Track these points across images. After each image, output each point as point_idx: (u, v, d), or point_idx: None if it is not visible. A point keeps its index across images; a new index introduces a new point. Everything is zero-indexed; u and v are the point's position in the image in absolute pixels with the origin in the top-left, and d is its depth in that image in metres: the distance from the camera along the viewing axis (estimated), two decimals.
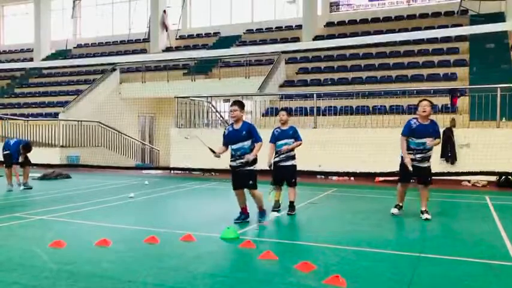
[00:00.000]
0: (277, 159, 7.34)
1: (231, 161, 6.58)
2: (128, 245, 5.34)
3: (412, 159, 6.94)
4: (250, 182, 6.49)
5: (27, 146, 10.86)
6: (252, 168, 6.48)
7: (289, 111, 7.74)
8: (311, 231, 6.44)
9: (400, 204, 7.42)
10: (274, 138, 7.40)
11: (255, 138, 6.48)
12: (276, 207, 7.36)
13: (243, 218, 6.64)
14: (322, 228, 6.56)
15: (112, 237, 5.50)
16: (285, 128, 7.41)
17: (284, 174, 7.33)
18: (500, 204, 8.55)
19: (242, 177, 6.49)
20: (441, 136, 7.05)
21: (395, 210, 7.34)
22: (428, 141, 6.88)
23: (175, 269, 4.47)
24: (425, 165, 7.01)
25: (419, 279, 4.16)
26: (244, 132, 6.44)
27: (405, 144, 7.02)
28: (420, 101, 7.08)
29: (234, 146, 6.49)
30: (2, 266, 4.50)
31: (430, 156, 7.04)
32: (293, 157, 7.34)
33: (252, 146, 6.46)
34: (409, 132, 7.00)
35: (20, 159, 10.69)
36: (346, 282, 3.93)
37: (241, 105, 6.60)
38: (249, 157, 6.38)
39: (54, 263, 4.56)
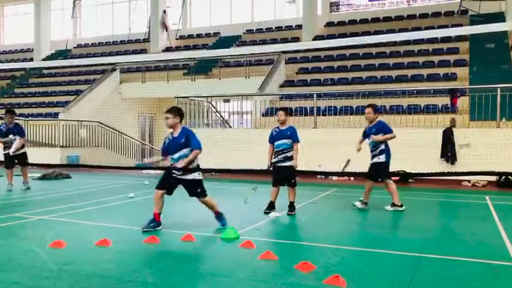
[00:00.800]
0: (275, 159, 7.31)
1: (172, 169, 6.14)
2: (128, 245, 5.34)
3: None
4: (198, 190, 6.17)
5: (9, 111, 10.61)
6: (196, 178, 6.14)
7: (289, 111, 7.71)
8: (311, 231, 6.43)
9: (365, 200, 8.00)
10: (272, 139, 7.38)
11: (192, 144, 6.03)
12: (270, 209, 7.30)
13: (152, 225, 6.07)
14: (322, 228, 6.56)
15: (112, 237, 5.50)
16: (283, 128, 7.37)
17: (283, 175, 7.31)
18: (500, 204, 8.55)
19: (188, 187, 6.18)
20: (392, 131, 7.72)
21: (358, 203, 7.98)
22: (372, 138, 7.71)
23: (176, 269, 4.47)
24: (372, 161, 7.75)
25: (419, 279, 4.16)
26: (182, 140, 6.08)
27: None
28: (365, 107, 8.05)
29: (175, 156, 6.09)
30: (2, 266, 4.50)
31: (378, 153, 7.66)
32: (291, 158, 7.27)
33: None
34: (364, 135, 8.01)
35: (17, 141, 10.14)
36: (346, 282, 3.93)
37: (175, 112, 6.22)
38: (177, 165, 6.02)
39: (54, 263, 4.56)
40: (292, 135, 7.27)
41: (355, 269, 4.45)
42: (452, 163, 11.71)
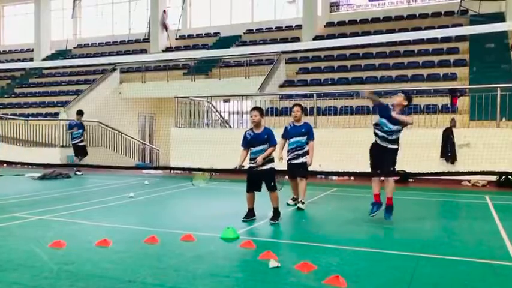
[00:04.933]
0: (252, 164, 6.73)
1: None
2: (127, 245, 5.34)
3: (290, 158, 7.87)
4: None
5: (79, 111, 14.69)
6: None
7: (261, 111, 6.93)
8: (311, 231, 6.43)
9: (295, 196, 8.13)
10: (247, 143, 6.86)
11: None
12: (249, 217, 6.72)
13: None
14: (323, 228, 6.56)
15: (112, 237, 5.50)
16: (258, 131, 6.78)
17: (262, 179, 6.70)
18: (500, 204, 8.55)
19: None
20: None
21: (290, 201, 8.12)
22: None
23: (175, 269, 4.47)
24: (299, 161, 7.77)
25: (419, 279, 4.16)
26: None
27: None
28: (293, 106, 8.13)
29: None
30: (2, 266, 4.50)
31: (304, 152, 7.79)
32: (271, 160, 6.76)
33: None
34: (284, 134, 8.00)
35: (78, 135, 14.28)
36: (346, 282, 3.93)
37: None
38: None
39: (54, 263, 4.57)
40: (269, 139, 6.71)
41: (355, 269, 4.45)
42: (452, 163, 11.71)
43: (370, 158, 6.82)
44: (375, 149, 6.76)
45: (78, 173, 14.04)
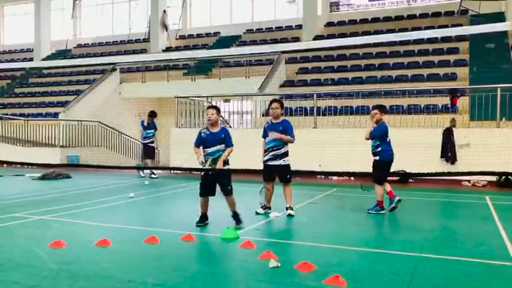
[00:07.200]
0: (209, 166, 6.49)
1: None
2: (127, 245, 5.34)
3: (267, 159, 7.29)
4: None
5: (152, 112, 13.62)
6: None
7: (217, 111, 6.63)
8: (311, 231, 6.43)
9: (266, 204, 7.38)
10: (202, 141, 6.55)
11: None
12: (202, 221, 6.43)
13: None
14: (322, 228, 6.56)
15: (112, 237, 5.50)
16: (214, 130, 6.45)
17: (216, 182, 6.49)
18: (500, 204, 8.54)
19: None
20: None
21: (260, 210, 7.34)
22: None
23: (175, 269, 4.47)
24: (278, 162, 7.16)
25: (419, 279, 4.16)
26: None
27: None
28: (270, 102, 7.45)
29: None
30: (2, 266, 4.50)
31: (283, 154, 7.15)
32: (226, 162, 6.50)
33: None
34: (263, 133, 7.44)
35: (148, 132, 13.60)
36: (346, 282, 3.93)
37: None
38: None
39: (54, 263, 4.56)
40: (225, 139, 6.38)
41: (355, 269, 4.45)
42: (452, 163, 11.71)
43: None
44: None
45: (153, 176, 13.15)
